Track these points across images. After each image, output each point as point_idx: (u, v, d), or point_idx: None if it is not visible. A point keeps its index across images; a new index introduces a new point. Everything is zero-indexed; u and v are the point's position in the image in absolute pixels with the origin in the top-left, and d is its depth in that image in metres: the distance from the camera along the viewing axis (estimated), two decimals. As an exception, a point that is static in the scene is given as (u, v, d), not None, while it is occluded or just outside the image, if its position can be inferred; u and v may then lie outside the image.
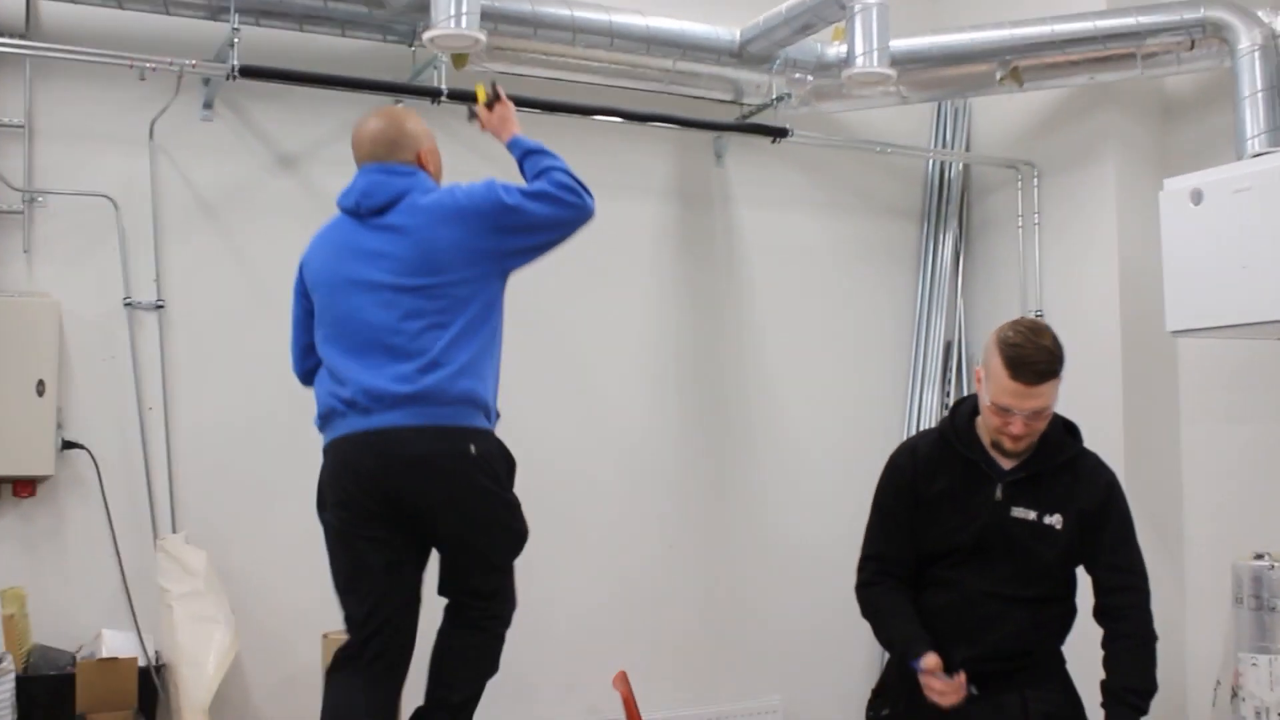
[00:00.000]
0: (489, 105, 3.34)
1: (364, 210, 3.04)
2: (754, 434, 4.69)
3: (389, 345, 2.93)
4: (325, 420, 3.03)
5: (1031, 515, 2.96)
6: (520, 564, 4.07)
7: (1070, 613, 3.07)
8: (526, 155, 3.19)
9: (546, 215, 3.04)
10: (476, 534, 3.01)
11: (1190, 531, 4.45)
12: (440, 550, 3.08)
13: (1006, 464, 3.00)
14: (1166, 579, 4.35)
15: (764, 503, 4.68)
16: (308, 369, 3.19)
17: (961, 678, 2.89)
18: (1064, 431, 3.03)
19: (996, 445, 2.99)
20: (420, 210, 3.01)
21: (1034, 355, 2.85)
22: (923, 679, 2.92)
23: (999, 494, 2.97)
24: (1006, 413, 2.88)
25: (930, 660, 2.91)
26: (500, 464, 3.03)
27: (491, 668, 3.10)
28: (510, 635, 3.12)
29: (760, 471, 4.69)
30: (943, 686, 2.89)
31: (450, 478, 2.93)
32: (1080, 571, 3.09)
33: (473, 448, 2.94)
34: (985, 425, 3.00)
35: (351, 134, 3.17)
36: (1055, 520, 2.95)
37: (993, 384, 2.90)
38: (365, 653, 2.97)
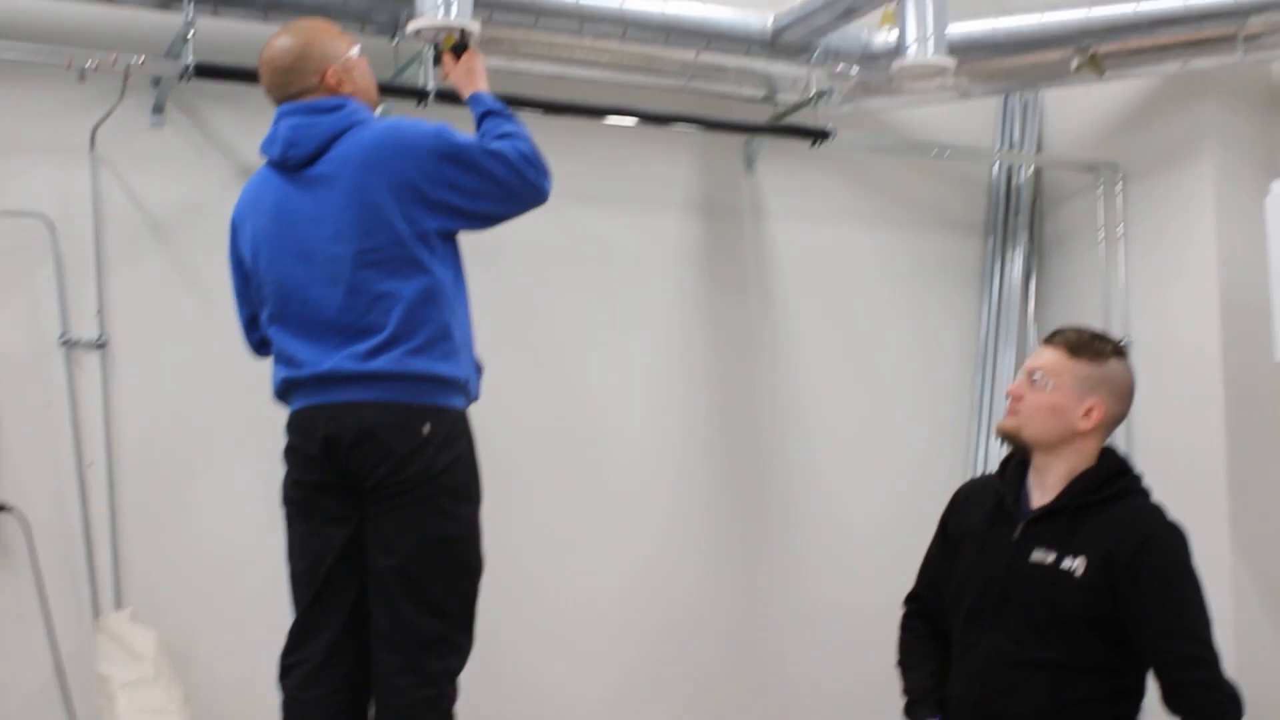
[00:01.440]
0: (456, 53, 3.38)
1: (292, 162, 3.02)
2: (792, 486, 4.66)
3: (340, 324, 2.95)
4: (282, 396, 3.09)
5: (1050, 558, 2.88)
6: (522, 644, 4.06)
7: (1121, 696, 2.90)
8: (488, 115, 3.17)
9: (498, 176, 3.00)
10: (407, 531, 2.91)
11: (1312, 597, 4.38)
12: (371, 571, 2.97)
13: (1037, 499, 2.96)
14: None
15: (806, 565, 4.64)
16: (257, 340, 3.23)
17: None
18: (1114, 472, 2.98)
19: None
20: (351, 157, 2.98)
21: (1067, 327, 3.05)
22: None
23: (1017, 534, 2.93)
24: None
25: None
26: (461, 461, 2.98)
27: None
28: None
29: (801, 529, 4.65)
30: None
31: (398, 458, 2.90)
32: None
33: (427, 427, 2.92)
34: None
35: None
36: (1077, 564, 2.85)
37: None
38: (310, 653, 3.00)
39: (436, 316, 2.96)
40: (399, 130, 3.00)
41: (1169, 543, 2.87)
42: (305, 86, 3.06)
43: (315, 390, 2.97)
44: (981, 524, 3.01)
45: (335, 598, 3.00)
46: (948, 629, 3.07)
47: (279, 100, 3.10)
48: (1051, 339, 3.01)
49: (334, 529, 2.99)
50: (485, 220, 3.08)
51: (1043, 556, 2.88)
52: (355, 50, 3.14)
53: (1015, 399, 2.98)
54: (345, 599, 2.99)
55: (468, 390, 3.05)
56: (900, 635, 3.17)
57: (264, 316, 3.10)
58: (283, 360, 3.05)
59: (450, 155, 2.97)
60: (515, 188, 3.02)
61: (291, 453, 3.05)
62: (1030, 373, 2.98)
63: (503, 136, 3.07)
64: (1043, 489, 2.96)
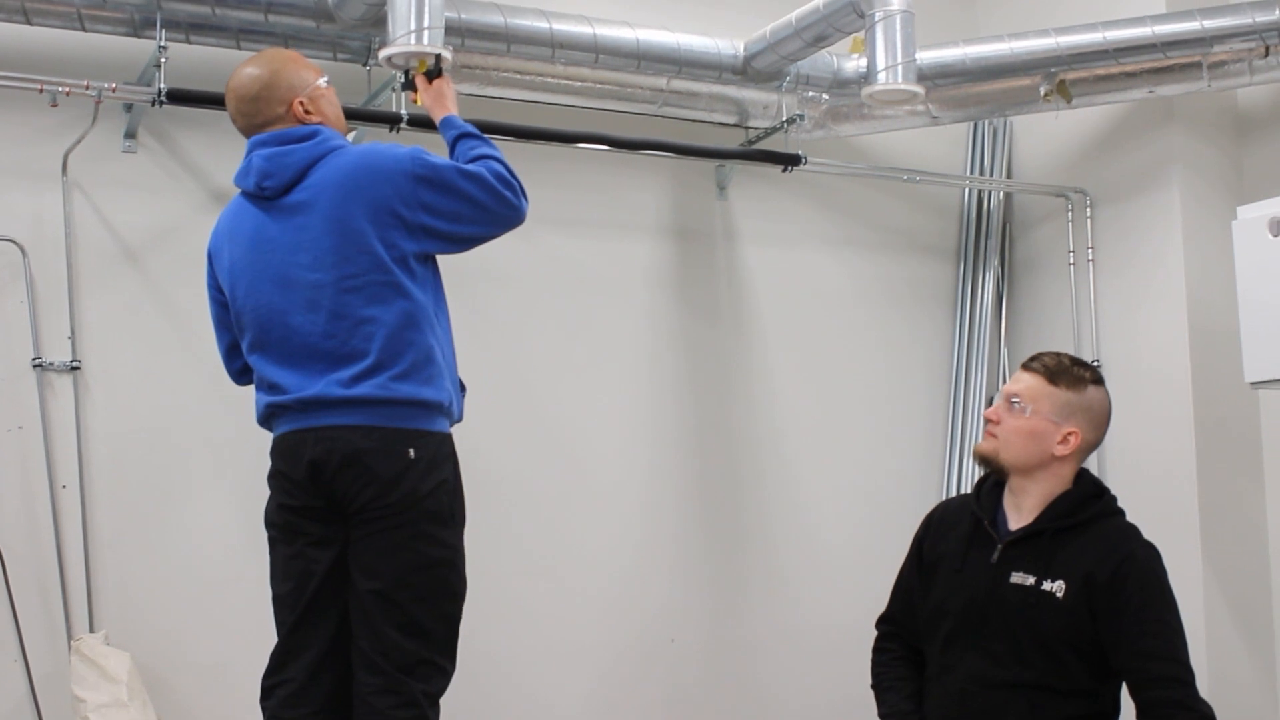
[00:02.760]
0: (429, 78, 3.41)
1: (268, 192, 3.04)
2: (768, 507, 4.67)
3: (323, 351, 2.96)
4: (266, 421, 3.10)
5: (1030, 580, 2.91)
6: (500, 661, 4.08)
7: (1099, 716, 2.93)
8: (461, 138, 3.20)
9: (475, 198, 3.03)
10: (389, 555, 2.94)
11: (1282, 621, 4.42)
12: (354, 594, 3.00)
13: (1014, 522, 2.99)
14: (1254, 680, 4.36)
15: (781, 586, 4.65)
16: (238, 368, 3.23)
17: None
18: (1090, 494, 3.01)
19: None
20: (328, 183, 3.00)
21: (1046, 353, 3.07)
22: None
23: (996, 556, 2.96)
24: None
25: None
26: (446, 485, 3.00)
27: None
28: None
29: (775, 550, 4.66)
30: None
31: (383, 483, 2.92)
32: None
33: (412, 451, 2.94)
34: None
35: None
36: (1056, 587, 2.88)
37: None
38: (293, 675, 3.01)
39: (419, 340, 2.98)
40: (374, 155, 3.02)
41: (1147, 563, 2.91)
42: (271, 116, 3.09)
43: (300, 415, 2.99)
44: (959, 546, 3.04)
45: (319, 620, 3.02)
46: (922, 650, 3.10)
47: (245, 129, 3.13)
48: (1030, 364, 3.04)
49: (319, 552, 3.01)
50: (464, 242, 3.10)
51: (1022, 579, 2.91)
52: (323, 80, 3.18)
53: (993, 422, 3.02)
54: (329, 621, 3.02)
55: (451, 412, 3.08)
56: (874, 657, 3.19)
57: (244, 345, 3.12)
58: (265, 387, 3.07)
59: (427, 178, 2.99)
60: (493, 209, 3.05)
61: (277, 477, 3.06)
62: (1009, 397, 3.01)
63: (477, 159, 3.10)
64: (1019, 511, 2.99)
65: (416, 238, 3.01)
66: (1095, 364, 4.66)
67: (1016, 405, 2.99)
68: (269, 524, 3.10)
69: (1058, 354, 3.07)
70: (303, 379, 2.97)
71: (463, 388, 3.16)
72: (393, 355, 2.94)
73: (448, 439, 3.06)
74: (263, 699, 3.05)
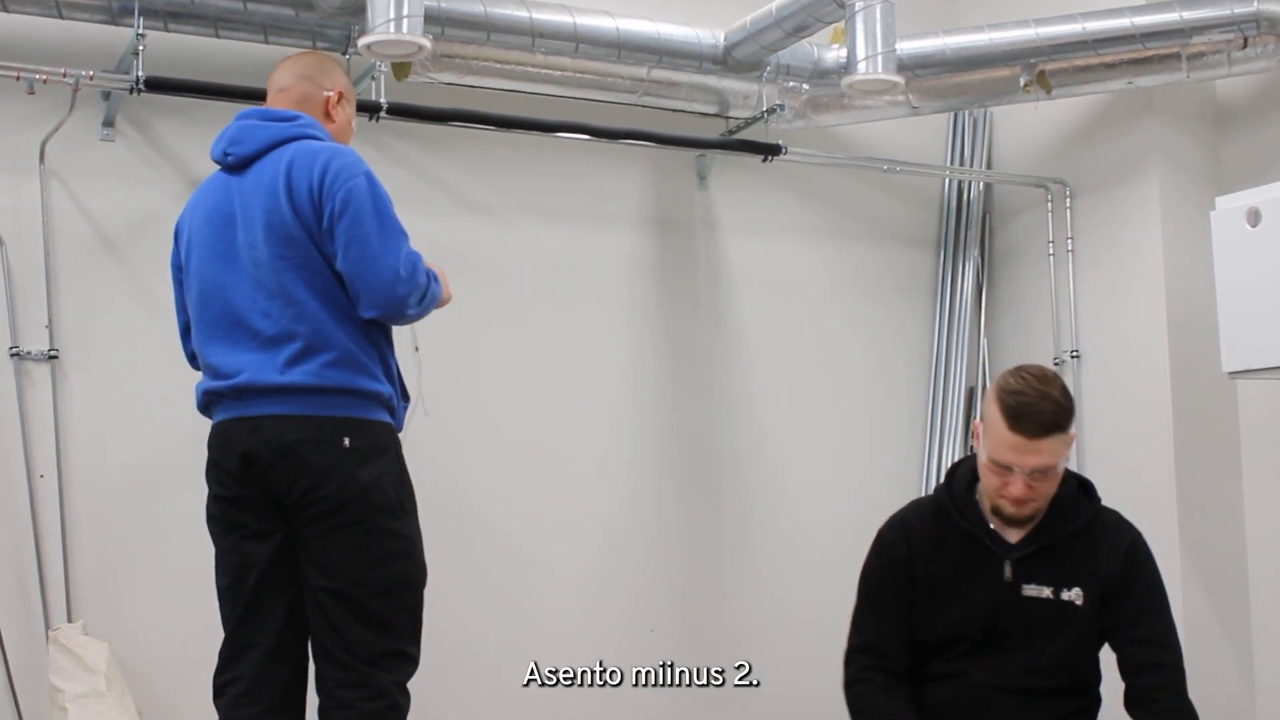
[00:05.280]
0: None
1: (231, 160, 3.03)
2: (747, 499, 4.68)
3: (257, 331, 2.93)
4: (205, 409, 3.07)
5: (1047, 592, 2.89)
6: (472, 657, 4.07)
7: (1093, 706, 2.98)
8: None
9: (373, 243, 2.89)
10: (343, 553, 2.89)
11: (1257, 606, 4.43)
12: (309, 591, 2.96)
13: (1013, 536, 2.93)
14: (1229, 663, 4.39)
15: (761, 578, 4.66)
16: (192, 350, 3.19)
17: None
18: (1078, 491, 2.99)
19: (998, 512, 2.92)
20: (280, 164, 2.96)
21: (1038, 404, 2.80)
22: None
23: (1008, 573, 2.91)
24: (1006, 471, 2.83)
25: None
26: (387, 475, 2.94)
27: None
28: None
29: (755, 542, 4.67)
30: None
31: (316, 473, 2.88)
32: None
33: (347, 440, 2.89)
34: (985, 487, 2.94)
35: None
36: (1075, 595, 2.88)
37: (991, 438, 2.86)
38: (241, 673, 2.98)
39: (352, 330, 2.93)
40: (326, 155, 2.95)
41: (1147, 550, 2.95)
42: (311, 85, 3.12)
43: (235, 403, 2.95)
44: (960, 566, 2.95)
45: (264, 614, 2.98)
46: (905, 678, 3.00)
47: (276, 90, 3.13)
48: (1038, 427, 2.79)
49: (255, 545, 2.97)
50: (349, 282, 2.92)
51: (1037, 591, 2.89)
52: (352, 100, 3.23)
53: (1028, 500, 2.85)
54: (275, 615, 2.98)
55: (391, 406, 3.01)
56: (857, 689, 3.02)
57: (192, 320, 3.09)
58: (204, 370, 3.04)
59: (351, 200, 2.89)
60: (382, 262, 2.89)
61: (212, 468, 3.03)
62: (1036, 474, 2.82)
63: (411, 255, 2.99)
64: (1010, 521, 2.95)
65: (330, 242, 2.93)
66: (1074, 354, 4.69)
67: (1049, 472, 2.84)
68: (207, 517, 3.07)
69: (1042, 392, 2.83)
70: (237, 361, 2.93)
71: (406, 397, 3.11)
72: (325, 340, 2.89)
73: (388, 429, 2.99)
74: (215, 698, 3.02)
